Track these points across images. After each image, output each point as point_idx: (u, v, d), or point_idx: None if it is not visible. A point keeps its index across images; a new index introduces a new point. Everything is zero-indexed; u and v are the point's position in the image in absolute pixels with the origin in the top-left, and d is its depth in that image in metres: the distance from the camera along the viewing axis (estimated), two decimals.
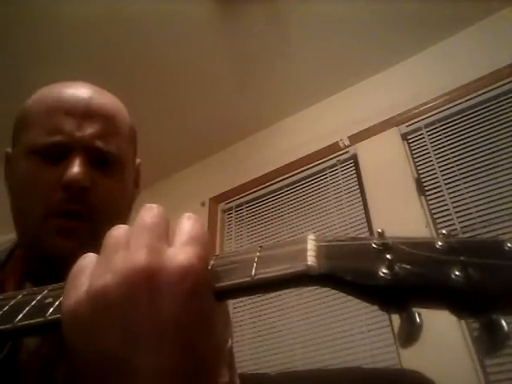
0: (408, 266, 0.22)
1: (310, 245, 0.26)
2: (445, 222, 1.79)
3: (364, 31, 2.10)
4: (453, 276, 0.21)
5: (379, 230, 0.25)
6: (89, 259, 0.27)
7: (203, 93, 2.36)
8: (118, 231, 0.27)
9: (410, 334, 0.21)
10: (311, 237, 0.27)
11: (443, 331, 1.55)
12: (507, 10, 2.01)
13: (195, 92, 2.35)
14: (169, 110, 2.44)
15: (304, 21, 2.05)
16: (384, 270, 0.22)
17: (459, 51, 2.08)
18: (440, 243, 0.23)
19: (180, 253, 0.25)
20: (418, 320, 0.21)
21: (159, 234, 0.26)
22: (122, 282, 0.23)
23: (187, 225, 0.27)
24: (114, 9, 1.92)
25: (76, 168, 0.54)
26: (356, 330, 1.75)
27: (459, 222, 1.75)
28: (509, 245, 0.22)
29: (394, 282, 0.21)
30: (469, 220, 1.74)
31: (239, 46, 2.17)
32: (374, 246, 0.24)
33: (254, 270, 0.25)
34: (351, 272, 0.23)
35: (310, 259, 0.24)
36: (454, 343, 1.52)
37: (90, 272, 0.25)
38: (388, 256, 0.22)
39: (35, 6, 1.88)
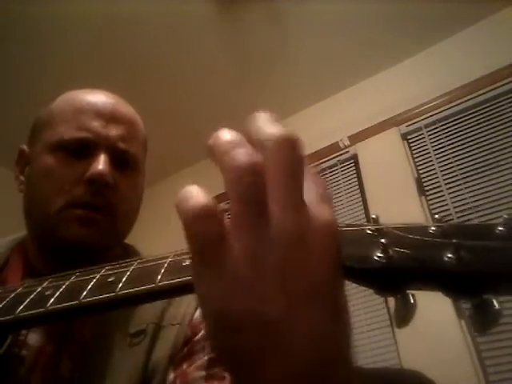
0: (402, 250, 0.22)
1: None
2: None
3: (364, 31, 2.11)
4: (445, 258, 0.21)
5: (373, 216, 0.26)
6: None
7: (203, 92, 2.36)
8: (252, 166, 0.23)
9: (405, 314, 0.21)
10: None
11: (443, 331, 1.54)
12: (507, 10, 2.02)
13: (195, 92, 2.36)
14: (169, 110, 2.44)
15: (304, 21, 2.06)
16: (379, 254, 0.22)
17: (459, 51, 2.08)
18: (433, 228, 0.24)
19: (323, 211, 0.23)
20: (411, 301, 0.21)
21: (301, 183, 0.23)
22: (277, 243, 0.21)
23: (317, 180, 0.25)
24: (114, 9, 1.92)
25: (102, 164, 0.58)
26: (356, 330, 1.75)
27: None
28: (500, 228, 0.22)
29: (389, 265, 0.22)
30: (469, 220, 1.74)
31: (239, 46, 2.17)
32: (368, 231, 0.25)
33: None
34: (348, 257, 0.23)
35: None
36: (454, 343, 1.52)
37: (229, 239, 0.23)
38: (382, 240, 0.23)
39: (36, 7, 1.89)
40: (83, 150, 0.59)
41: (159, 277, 0.29)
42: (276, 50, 2.19)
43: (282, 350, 0.21)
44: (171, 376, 0.54)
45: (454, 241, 0.21)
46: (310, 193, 0.24)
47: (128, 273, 0.31)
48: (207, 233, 0.22)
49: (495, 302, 0.20)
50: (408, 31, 2.11)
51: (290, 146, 0.24)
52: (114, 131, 0.61)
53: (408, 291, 0.22)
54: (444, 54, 2.13)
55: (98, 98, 0.64)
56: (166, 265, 0.30)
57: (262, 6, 1.98)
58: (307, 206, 0.23)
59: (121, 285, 0.30)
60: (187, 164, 2.81)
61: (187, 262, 0.29)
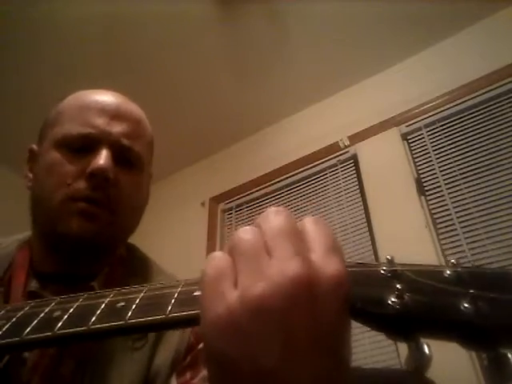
0: (417, 296, 0.22)
1: None
2: (445, 222, 1.79)
3: (364, 31, 2.10)
4: (462, 308, 0.21)
5: (388, 257, 0.25)
6: (222, 261, 0.26)
7: (203, 93, 2.36)
8: (250, 234, 0.26)
9: (418, 363, 0.21)
10: None
11: None
12: (507, 10, 2.01)
13: (195, 92, 2.36)
14: (169, 110, 2.44)
15: (304, 21, 2.05)
16: (393, 299, 0.22)
17: (459, 51, 2.08)
18: (449, 272, 0.23)
19: (329, 262, 0.24)
20: (426, 351, 0.21)
21: (302, 241, 0.25)
22: (280, 291, 0.22)
23: (323, 231, 0.27)
24: (113, 9, 1.92)
25: (102, 159, 0.58)
26: (356, 329, 1.74)
27: (459, 222, 1.75)
28: None
29: (403, 312, 0.21)
30: (469, 220, 1.74)
31: (239, 46, 2.17)
32: (382, 272, 0.24)
33: None
34: (361, 299, 0.23)
35: None
36: (454, 343, 1.52)
37: (234, 279, 0.25)
38: (397, 285, 0.22)
39: (36, 8, 1.89)
40: (86, 145, 0.60)
41: (169, 307, 0.28)
42: (276, 50, 2.18)
43: None
44: (174, 383, 0.54)
45: (472, 290, 0.21)
46: (317, 245, 0.25)
47: (138, 300, 0.31)
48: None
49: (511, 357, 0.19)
50: (408, 31, 2.11)
51: (276, 212, 0.27)
52: (117, 128, 0.62)
53: (422, 339, 0.21)
54: (444, 54, 2.13)
55: (104, 96, 0.65)
56: (176, 294, 0.30)
57: (261, 7, 1.98)
58: (309, 258, 0.24)
59: (130, 313, 0.29)
60: (187, 164, 2.81)
61: (197, 293, 0.29)
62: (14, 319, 0.31)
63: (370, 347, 1.69)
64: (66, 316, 0.30)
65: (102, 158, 0.58)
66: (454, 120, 2.00)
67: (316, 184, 2.27)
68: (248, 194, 2.47)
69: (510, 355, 0.19)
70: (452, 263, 0.24)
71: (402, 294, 0.22)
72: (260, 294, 0.22)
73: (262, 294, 0.22)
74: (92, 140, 0.60)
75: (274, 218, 0.26)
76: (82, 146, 0.60)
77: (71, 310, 0.32)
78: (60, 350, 0.54)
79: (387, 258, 0.25)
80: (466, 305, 0.21)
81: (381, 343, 1.68)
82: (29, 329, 0.29)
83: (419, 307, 0.21)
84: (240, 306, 0.23)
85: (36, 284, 0.58)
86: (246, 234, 0.26)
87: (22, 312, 0.32)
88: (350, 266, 0.26)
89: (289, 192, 2.35)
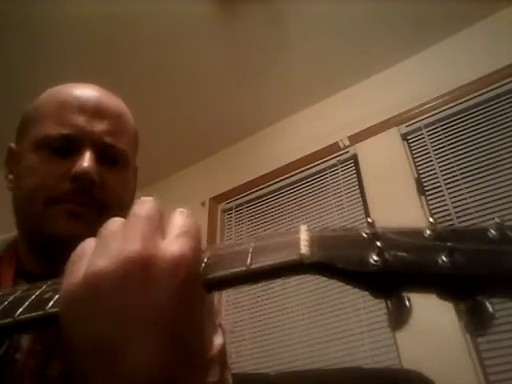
0: (397, 253, 0.23)
1: (304, 235, 0.27)
2: (445, 222, 1.79)
3: (364, 31, 2.11)
4: (440, 261, 0.22)
5: (369, 220, 0.26)
6: (89, 244, 0.28)
7: (203, 93, 2.36)
8: (115, 221, 0.28)
9: (400, 317, 0.22)
10: (304, 227, 0.28)
11: (443, 331, 1.54)
12: (507, 10, 2.02)
13: (195, 92, 2.36)
14: (169, 110, 2.44)
15: (303, 21, 2.06)
16: (375, 257, 0.23)
17: (459, 51, 2.08)
18: (428, 232, 0.24)
19: (173, 244, 0.25)
20: (407, 304, 0.22)
21: (153, 225, 0.27)
22: (116, 268, 0.24)
23: (180, 218, 0.28)
24: (112, 8, 1.92)
25: (86, 162, 0.57)
26: (356, 329, 1.75)
27: (459, 222, 1.75)
28: (493, 231, 0.23)
29: (385, 269, 0.22)
30: (469, 220, 1.74)
31: (239, 46, 2.17)
32: (364, 235, 0.25)
33: (249, 260, 0.26)
34: (343, 260, 0.23)
35: (304, 248, 0.25)
36: (454, 343, 1.52)
37: (88, 257, 0.26)
38: (378, 244, 0.23)
39: (33, 6, 1.89)
40: (68, 146, 0.58)
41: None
42: (276, 50, 2.19)
43: (113, 371, 0.23)
44: None
45: (449, 244, 0.22)
46: (171, 229, 0.27)
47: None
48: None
49: (488, 305, 0.20)
50: (408, 31, 2.11)
51: (141, 202, 0.29)
52: (99, 126, 0.60)
53: (403, 294, 0.22)
54: (444, 54, 2.13)
55: (82, 91, 0.63)
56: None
57: (261, 7, 1.98)
58: (154, 240, 0.25)
59: None
60: (187, 164, 2.81)
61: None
62: (5, 303, 0.32)
63: (369, 347, 1.69)
64: (57, 296, 0.30)
65: (86, 160, 0.57)
66: (454, 120, 2.00)
67: (316, 184, 2.27)
68: (248, 194, 2.47)
69: (486, 303, 0.20)
70: (431, 222, 0.25)
71: (383, 251, 0.23)
72: (98, 270, 0.24)
73: (100, 270, 0.24)
74: (74, 140, 0.58)
75: (137, 206, 0.28)
76: (64, 147, 0.58)
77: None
78: (48, 350, 0.53)
79: (368, 221, 0.26)
80: (444, 258, 0.21)
81: (381, 343, 1.68)
82: (21, 309, 0.30)
83: (399, 263, 0.22)
84: (82, 281, 0.24)
85: (24, 285, 0.58)
86: (110, 221, 0.29)
87: (13, 296, 0.33)
88: (335, 230, 0.27)
89: (289, 192, 2.35)
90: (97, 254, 0.26)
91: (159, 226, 0.27)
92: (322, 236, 0.26)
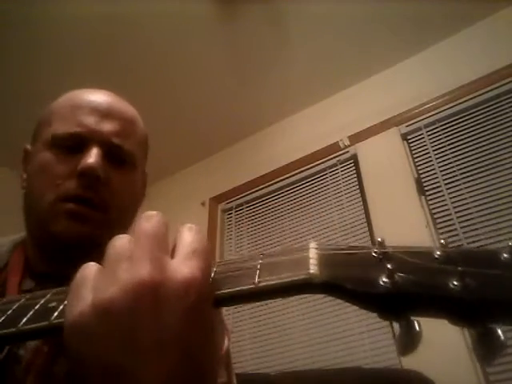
0: (407, 275, 0.22)
1: (312, 253, 0.26)
2: (445, 221, 1.79)
3: (364, 31, 2.10)
4: (450, 285, 0.21)
5: (379, 239, 0.25)
6: (90, 269, 0.28)
7: (203, 93, 2.36)
8: (120, 241, 0.27)
9: (409, 341, 0.21)
10: (313, 245, 0.28)
11: (443, 332, 1.55)
12: (507, 10, 2.02)
13: (195, 92, 2.36)
14: (169, 110, 2.44)
15: (304, 21, 2.05)
16: (384, 279, 0.22)
17: (459, 51, 2.08)
18: (438, 253, 0.24)
19: (183, 266, 0.25)
20: (417, 328, 0.21)
21: (161, 244, 0.26)
22: (127, 293, 0.24)
23: (189, 237, 0.28)
24: (112, 8, 1.92)
25: (92, 158, 0.57)
26: (356, 330, 1.75)
27: (459, 222, 1.75)
28: (505, 255, 0.22)
29: (394, 291, 0.22)
30: (469, 220, 1.74)
31: (239, 46, 2.17)
32: (374, 254, 0.25)
33: (257, 278, 0.26)
34: (352, 280, 0.23)
35: (313, 267, 0.25)
36: (454, 343, 1.52)
37: (93, 283, 0.26)
38: (388, 265, 0.23)
39: (33, 6, 1.88)
40: (77, 145, 0.59)
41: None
42: (275, 50, 2.18)
43: None
44: None
45: (460, 268, 0.21)
46: (180, 249, 0.27)
47: None
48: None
49: (500, 333, 0.20)
50: (408, 31, 2.11)
51: (146, 217, 0.28)
52: (107, 126, 0.61)
53: (413, 318, 0.22)
54: (444, 54, 2.13)
55: (95, 96, 0.65)
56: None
57: (261, 7, 1.98)
58: (164, 261, 0.25)
59: None
60: (187, 164, 2.81)
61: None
62: (9, 311, 0.32)
63: (369, 347, 1.70)
64: (61, 306, 0.30)
65: (92, 156, 0.57)
66: (454, 120, 2.00)
67: (316, 184, 2.27)
68: (248, 194, 2.47)
69: (498, 330, 0.20)
70: (441, 244, 0.24)
71: (393, 273, 0.22)
72: (109, 297, 0.24)
73: (111, 297, 0.24)
74: (82, 139, 0.59)
75: (143, 223, 0.28)
76: (72, 145, 0.59)
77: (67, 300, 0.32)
78: (55, 349, 0.53)
79: (378, 241, 0.25)
80: (455, 282, 0.21)
81: (381, 343, 1.68)
82: (25, 319, 0.30)
83: (409, 286, 0.22)
84: (90, 309, 0.24)
85: (31, 283, 0.58)
86: (115, 240, 0.28)
87: (17, 304, 0.33)
88: (344, 249, 0.26)
89: (289, 192, 2.35)
90: (104, 279, 0.25)
91: (166, 244, 0.27)
92: (330, 255, 0.26)
